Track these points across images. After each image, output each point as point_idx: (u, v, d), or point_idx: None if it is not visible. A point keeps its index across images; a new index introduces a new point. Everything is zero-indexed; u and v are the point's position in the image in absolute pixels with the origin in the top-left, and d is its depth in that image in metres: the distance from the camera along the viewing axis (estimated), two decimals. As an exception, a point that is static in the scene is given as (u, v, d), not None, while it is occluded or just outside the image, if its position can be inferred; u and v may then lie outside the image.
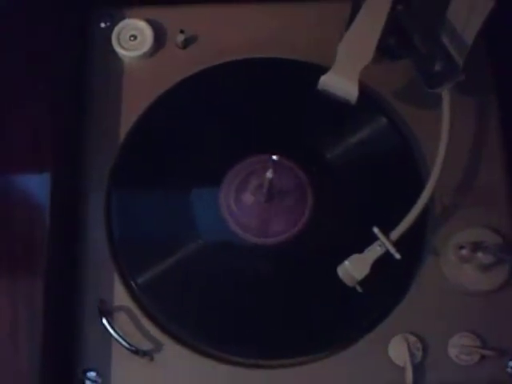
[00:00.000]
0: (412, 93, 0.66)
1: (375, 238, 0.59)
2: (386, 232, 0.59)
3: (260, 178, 0.60)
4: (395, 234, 0.59)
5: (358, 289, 0.59)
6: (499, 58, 0.69)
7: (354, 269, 0.58)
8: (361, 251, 0.59)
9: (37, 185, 0.61)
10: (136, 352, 0.60)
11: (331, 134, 0.67)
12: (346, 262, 0.58)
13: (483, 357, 0.61)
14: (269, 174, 0.57)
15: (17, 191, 0.61)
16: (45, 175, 0.60)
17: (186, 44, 0.68)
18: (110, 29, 0.69)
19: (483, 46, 0.68)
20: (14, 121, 0.61)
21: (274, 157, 0.56)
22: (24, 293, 0.58)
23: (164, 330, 0.62)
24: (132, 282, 0.63)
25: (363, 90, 0.63)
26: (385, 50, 0.62)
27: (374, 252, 0.58)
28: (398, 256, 0.58)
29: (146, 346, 0.61)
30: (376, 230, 0.58)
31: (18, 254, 0.59)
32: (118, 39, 0.68)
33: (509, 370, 0.61)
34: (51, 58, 0.63)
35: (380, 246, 0.58)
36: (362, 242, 0.60)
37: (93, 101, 0.68)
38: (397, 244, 0.59)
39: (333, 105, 0.61)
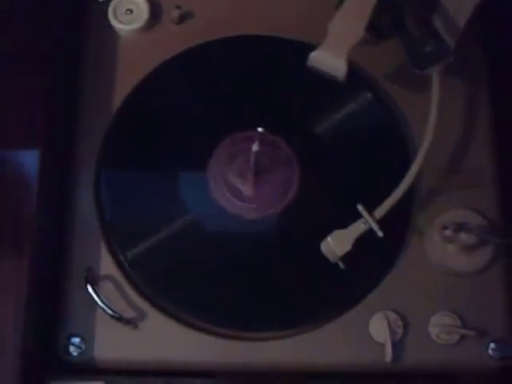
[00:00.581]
0: (403, 73, 0.67)
1: (361, 215, 0.60)
2: (372, 209, 0.60)
3: (247, 152, 0.61)
4: (379, 211, 0.60)
5: (341, 265, 0.60)
6: (492, 41, 0.69)
7: (335, 245, 0.59)
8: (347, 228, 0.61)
9: (27, 160, 0.61)
10: (119, 319, 0.61)
11: (320, 111, 0.67)
12: (329, 238, 0.59)
13: (463, 337, 0.62)
14: (255, 147, 0.58)
15: (7, 166, 0.61)
16: (35, 152, 0.61)
17: (182, 20, 0.69)
18: (108, 2, 0.69)
19: (476, 28, 0.68)
20: (5, 97, 0.62)
21: (260, 129, 0.56)
22: (11, 263, 0.59)
23: (149, 300, 0.63)
24: (121, 256, 0.64)
25: (353, 68, 0.64)
26: (375, 30, 0.63)
27: (356, 229, 0.59)
28: (380, 233, 0.59)
29: (130, 314, 0.62)
30: (360, 207, 0.59)
31: (7, 226, 0.60)
32: (115, 13, 0.69)
33: (490, 351, 0.62)
34: (48, 32, 0.64)
35: (364, 223, 0.59)
36: (349, 219, 0.60)
37: (87, 75, 0.69)
38: (382, 222, 0.60)
39: (323, 82, 0.62)
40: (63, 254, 0.64)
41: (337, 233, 0.60)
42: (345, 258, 0.60)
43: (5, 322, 0.58)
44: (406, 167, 0.61)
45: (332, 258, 0.60)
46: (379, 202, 0.61)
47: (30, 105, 0.62)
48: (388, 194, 0.61)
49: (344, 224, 0.61)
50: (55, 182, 0.65)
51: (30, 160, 0.61)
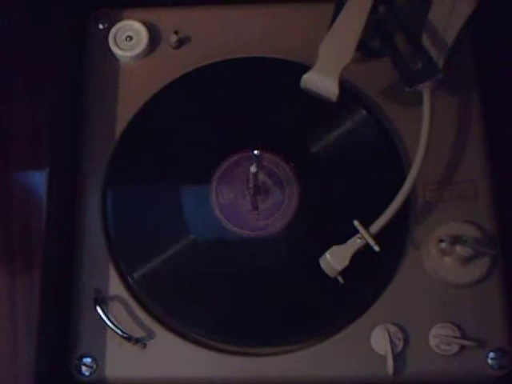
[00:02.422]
0: (396, 90, 0.70)
1: (358, 231, 0.64)
2: (370, 224, 0.64)
3: (247, 172, 0.65)
4: (375, 227, 0.63)
5: (340, 279, 0.64)
6: (483, 54, 0.72)
7: (334, 260, 0.63)
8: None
9: (35, 180, 0.65)
10: (129, 339, 0.65)
11: (317, 129, 0.71)
12: (327, 254, 0.63)
13: (463, 347, 0.64)
14: (253, 169, 0.62)
15: (16, 186, 0.65)
16: (43, 171, 0.65)
17: (180, 44, 0.73)
18: (108, 30, 0.73)
19: (468, 42, 0.72)
20: (13, 118, 0.66)
21: (256, 152, 0.60)
22: (22, 284, 0.62)
23: (156, 319, 0.67)
24: (128, 277, 0.68)
25: (347, 86, 0.68)
26: (366, 49, 0.67)
27: (353, 244, 0.63)
28: (376, 248, 0.62)
29: (138, 333, 0.66)
30: (356, 222, 0.63)
31: (17, 247, 0.64)
32: (115, 40, 0.73)
33: (489, 360, 0.65)
34: (52, 58, 0.68)
35: (360, 238, 0.63)
36: (348, 234, 0.64)
37: (90, 99, 0.73)
38: (379, 237, 0.63)
39: (318, 102, 0.65)
40: (72, 274, 0.68)
41: (335, 248, 0.63)
42: (344, 272, 0.64)
43: (18, 345, 0.61)
44: (401, 182, 0.64)
45: (331, 274, 0.64)
46: (377, 216, 0.64)
47: (37, 128, 0.66)
48: (385, 209, 0.64)
49: (343, 239, 0.64)
50: (63, 201, 0.69)
51: (37, 181, 0.65)
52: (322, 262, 0.64)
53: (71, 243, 0.69)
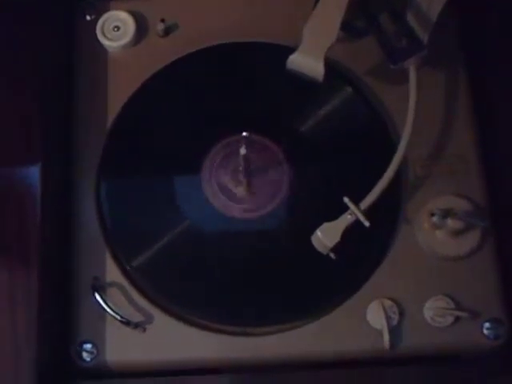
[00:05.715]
0: (382, 67, 0.72)
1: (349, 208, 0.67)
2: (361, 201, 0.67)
3: (237, 156, 0.68)
4: (365, 202, 0.66)
5: (332, 256, 0.67)
6: (468, 28, 0.75)
7: (325, 237, 0.65)
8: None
9: (29, 174, 0.68)
10: (128, 324, 0.68)
11: (305, 110, 0.74)
12: (318, 231, 0.66)
13: (458, 319, 0.68)
14: (242, 151, 0.65)
15: (10, 184, 0.67)
16: (36, 166, 0.67)
17: (167, 32, 0.77)
18: (95, 21, 0.77)
19: (454, 18, 0.75)
20: (3, 113, 0.68)
21: (244, 133, 0.64)
22: (20, 276, 0.65)
23: (155, 303, 0.70)
24: (127, 265, 0.71)
25: (333, 64, 0.71)
26: (350, 29, 0.70)
27: (344, 220, 0.66)
28: (367, 224, 0.65)
29: (137, 318, 0.69)
30: (346, 199, 0.66)
31: (13, 241, 0.66)
32: (103, 30, 0.76)
33: (484, 331, 0.68)
34: (40, 51, 0.70)
35: (351, 214, 0.66)
36: (340, 212, 0.67)
37: (80, 90, 0.76)
38: (372, 213, 0.66)
39: (305, 82, 0.69)
40: (70, 264, 0.71)
41: (325, 225, 0.66)
42: (337, 249, 0.66)
43: (18, 334, 0.64)
44: (391, 159, 0.67)
45: (323, 250, 0.67)
46: (368, 192, 0.67)
47: (28, 122, 0.68)
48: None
49: (336, 217, 0.67)
50: (58, 194, 0.71)
51: (31, 175, 0.67)
52: (314, 240, 0.66)
53: (68, 234, 0.72)
